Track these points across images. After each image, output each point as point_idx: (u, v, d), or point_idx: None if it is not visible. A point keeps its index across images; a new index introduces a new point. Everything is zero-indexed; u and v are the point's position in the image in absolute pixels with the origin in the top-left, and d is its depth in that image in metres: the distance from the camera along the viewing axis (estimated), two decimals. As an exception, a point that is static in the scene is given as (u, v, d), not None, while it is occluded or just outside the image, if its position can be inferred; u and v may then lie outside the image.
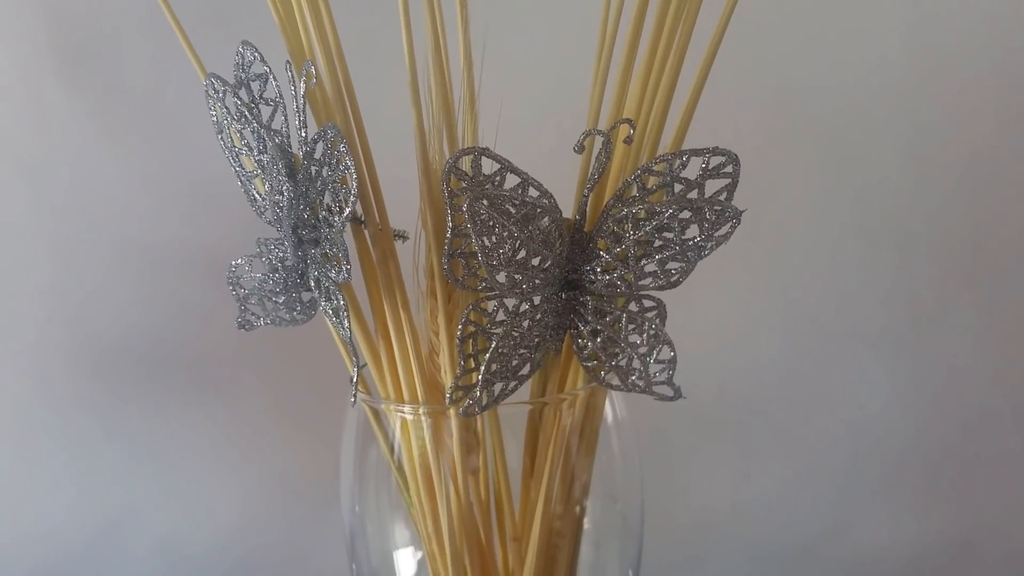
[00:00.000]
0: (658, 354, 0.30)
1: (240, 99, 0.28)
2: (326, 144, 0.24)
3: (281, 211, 0.25)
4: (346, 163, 0.24)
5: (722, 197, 0.28)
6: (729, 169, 0.28)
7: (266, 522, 0.58)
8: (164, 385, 0.59)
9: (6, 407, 0.58)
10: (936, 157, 0.52)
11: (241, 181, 0.29)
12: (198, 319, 0.57)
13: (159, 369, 0.58)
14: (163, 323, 0.58)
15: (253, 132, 0.27)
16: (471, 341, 0.29)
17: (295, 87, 0.26)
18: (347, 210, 0.24)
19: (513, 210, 0.27)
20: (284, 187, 0.25)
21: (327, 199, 0.25)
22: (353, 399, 0.30)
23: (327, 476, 0.58)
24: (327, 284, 0.27)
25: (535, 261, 0.28)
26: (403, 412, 0.32)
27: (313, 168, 0.25)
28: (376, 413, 0.33)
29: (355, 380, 0.29)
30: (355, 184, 0.24)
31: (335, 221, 0.25)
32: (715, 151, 0.28)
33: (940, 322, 0.54)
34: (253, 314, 0.30)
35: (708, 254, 0.28)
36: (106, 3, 0.53)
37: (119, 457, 0.58)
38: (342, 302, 0.27)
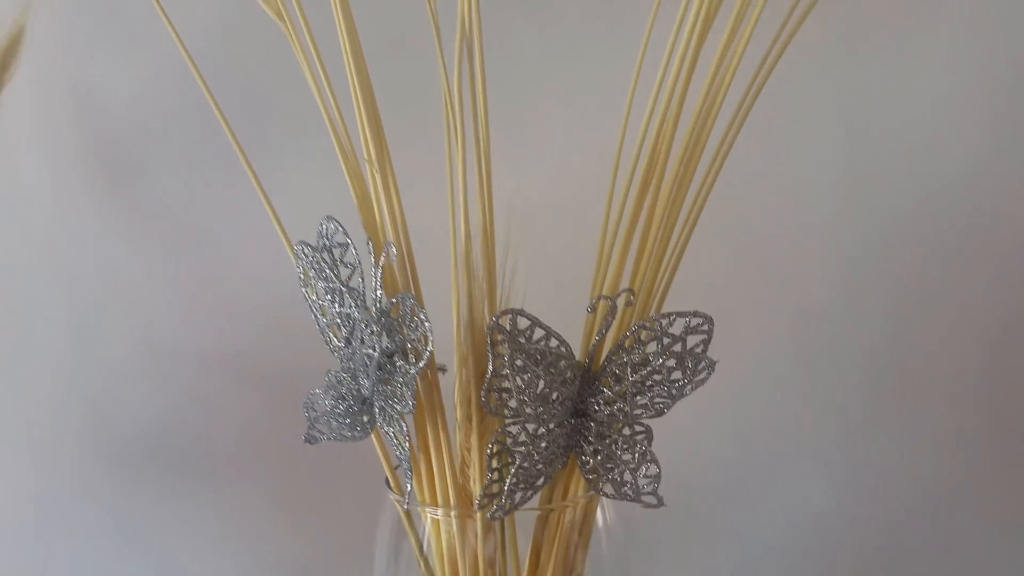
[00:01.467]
0: (646, 470, 0.38)
1: (324, 261, 0.35)
2: (405, 309, 0.32)
3: (371, 361, 0.32)
4: (424, 327, 0.31)
5: (699, 350, 0.36)
6: (705, 327, 0.36)
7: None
8: (174, 476, 0.64)
9: (18, 492, 0.62)
10: (863, 286, 0.60)
11: (319, 327, 0.36)
12: (210, 412, 0.63)
13: (170, 460, 0.64)
14: (176, 415, 0.63)
15: (335, 290, 0.35)
16: (498, 458, 0.36)
17: (373, 258, 0.34)
18: (422, 361, 0.31)
19: (540, 358, 0.35)
20: (376, 344, 0.32)
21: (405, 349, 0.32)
22: (405, 505, 0.37)
23: (328, 566, 0.64)
24: (391, 412, 0.34)
25: (553, 395, 0.36)
26: (436, 514, 0.39)
27: (392, 326, 0.32)
28: (408, 513, 0.40)
29: (409, 491, 0.36)
30: (432, 342, 0.32)
31: (410, 369, 0.32)
32: (695, 314, 0.36)
33: (867, 429, 0.62)
34: (320, 431, 0.37)
35: (689, 393, 0.36)
36: (145, 126, 0.60)
37: (126, 546, 0.63)
38: (404, 428, 0.34)
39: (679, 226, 0.36)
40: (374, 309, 0.34)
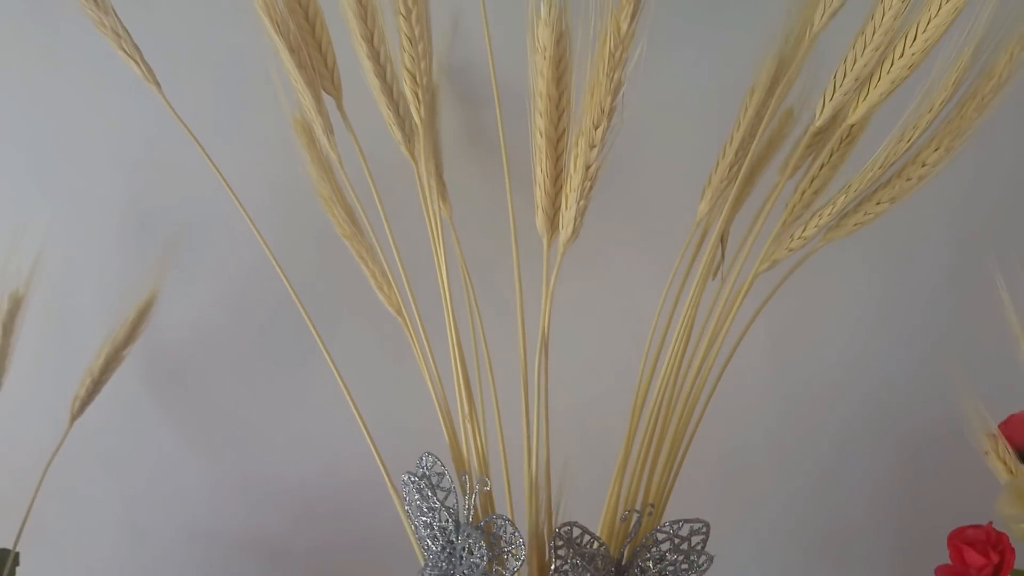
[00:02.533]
0: (662, 636, 0.50)
1: (426, 487, 0.47)
2: (501, 527, 0.44)
3: (477, 569, 0.45)
4: (520, 543, 0.44)
5: (700, 547, 0.49)
6: (704, 530, 0.49)
7: None
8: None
9: None
10: (796, 471, 0.75)
11: (419, 536, 0.48)
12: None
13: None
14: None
15: (434, 508, 0.47)
16: (553, 631, 0.48)
17: (468, 488, 0.46)
18: (515, 568, 0.44)
19: (590, 557, 0.47)
20: (483, 555, 0.44)
21: (501, 557, 0.44)
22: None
23: None
24: (480, 601, 0.46)
25: (594, 583, 0.48)
26: (501, 678, 0.50)
27: (490, 540, 0.45)
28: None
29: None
30: (524, 553, 0.44)
31: (505, 573, 0.44)
32: (697, 520, 0.49)
33: None
34: (416, 619, 0.48)
35: (694, 580, 0.49)
36: (198, 340, 0.72)
37: None
38: (492, 613, 0.46)
39: (679, 457, 0.50)
40: (465, 523, 0.46)
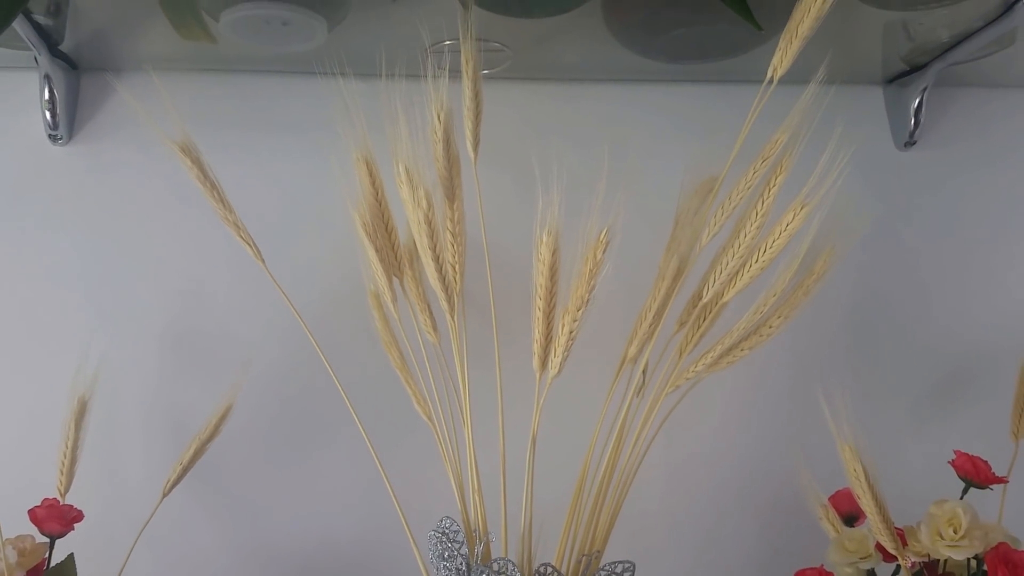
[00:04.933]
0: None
1: (447, 541, 0.69)
2: (504, 566, 0.66)
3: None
4: (517, 574, 0.65)
5: (629, 578, 0.72)
6: (631, 567, 0.72)
7: None
8: None
9: None
10: (691, 538, 0.98)
11: None
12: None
13: None
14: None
15: (452, 555, 0.68)
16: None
17: (478, 539, 0.68)
18: (515, 593, 0.66)
19: (557, 587, 0.70)
20: (494, 584, 0.66)
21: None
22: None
23: None
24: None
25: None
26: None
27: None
28: None
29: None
30: (521, 582, 0.66)
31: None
32: (626, 561, 0.72)
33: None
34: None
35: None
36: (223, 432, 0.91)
37: None
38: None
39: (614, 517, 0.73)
40: (475, 565, 0.68)
